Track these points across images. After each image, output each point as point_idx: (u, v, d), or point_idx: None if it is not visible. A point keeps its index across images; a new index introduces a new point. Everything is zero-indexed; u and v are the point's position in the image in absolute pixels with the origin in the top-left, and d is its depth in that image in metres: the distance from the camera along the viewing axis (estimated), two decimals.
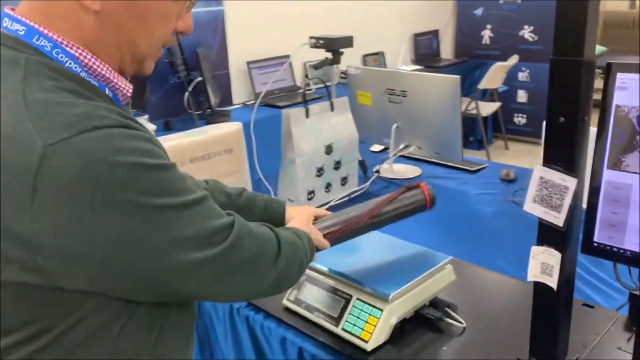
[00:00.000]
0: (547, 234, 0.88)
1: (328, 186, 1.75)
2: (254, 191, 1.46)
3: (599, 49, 5.26)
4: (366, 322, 1.03)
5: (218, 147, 1.61)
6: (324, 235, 0.99)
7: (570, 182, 0.84)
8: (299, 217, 1.02)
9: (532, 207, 0.88)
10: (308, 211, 1.06)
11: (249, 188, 1.70)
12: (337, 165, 1.75)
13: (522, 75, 4.53)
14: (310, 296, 1.12)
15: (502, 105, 4.44)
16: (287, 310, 1.15)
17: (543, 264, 0.89)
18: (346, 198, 1.78)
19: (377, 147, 2.26)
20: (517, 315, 1.10)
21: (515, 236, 1.49)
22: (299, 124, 1.63)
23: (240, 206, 1.04)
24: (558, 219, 0.85)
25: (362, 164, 1.95)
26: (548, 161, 0.86)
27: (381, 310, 1.02)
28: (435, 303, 1.12)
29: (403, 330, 1.06)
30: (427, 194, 1.12)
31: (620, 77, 0.79)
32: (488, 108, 4.32)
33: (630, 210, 0.81)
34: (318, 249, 0.96)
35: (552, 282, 0.89)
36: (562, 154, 0.84)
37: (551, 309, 0.91)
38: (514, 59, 4.28)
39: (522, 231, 1.52)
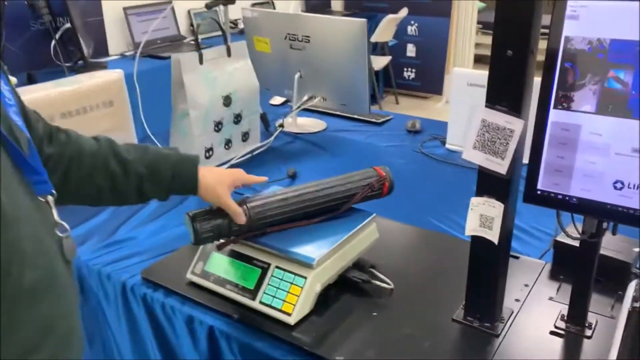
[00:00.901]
0: (488, 184, 0.80)
1: (228, 143, 1.58)
2: None
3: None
4: (288, 292, 0.90)
5: (95, 99, 1.37)
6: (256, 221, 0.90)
7: (516, 124, 0.75)
8: (216, 184, 0.87)
9: (472, 154, 0.79)
10: (227, 177, 0.91)
11: None
12: (238, 118, 1.58)
13: (411, 29, 4.54)
14: (219, 267, 0.97)
15: (392, 60, 4.44)
16: (193, 285, 0.99)
17: (482, 217, 0.81)
18: (248, 155, 1.62)
19: (277, 100, 2.11)
20: (446, 272, 1.03)
21: (432, 188, 1.42)
22: (191, 71, 1.43)
23: (140, 177, 0.86)
24: (501, 166, 0.77)
25: (263, 117, 1.79)
26: (492, 101, 0.76)
27: (304, 278, 0.90)
28: (359, 264, 1.02)
29: (327, 297, 0.94)
30: (382, 174, 1.04)
31: (571, 5, 0.71)
32: (379, 62, 4.30)
33: (577, 153, 0.74)
34: None
35: (493, 235, 0.81)
36: (508, 92, 0.75)
37: (490, 265, 0.84)
38: (404, 12, 4.27)
39: (438, 182, 1.48)
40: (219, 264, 0.98)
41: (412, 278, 1.02)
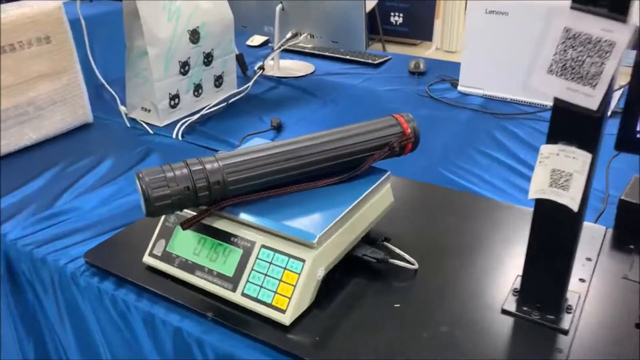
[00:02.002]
0: (567, 126, 0.56)
1: (198, 89, 1.31)
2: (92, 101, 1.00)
3: None
4: (280, 280, 0.66)
5: (26, 33, 1.08)
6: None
7: (621, 33, 0.50)
8: None
9: (545, 82, 0.54)
10: None
11: (83, 96, 1.20)
12: (208, 59, 1.31)
13: None
14: (186, 247, 0.73)
15: (378, 3, 4.12)
16: (152, 271, 0.75)
17: (555, 173, 0.57)
18: (223, 104, 1.35)
19: (256, 40, 1.82)
20: (484, 245, 0.80)
21: (445, 138, 1.18)
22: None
23: None
24: (591, 98, 0.53)
25: (239, 59, 1.51)
26: (582, 0, 0.51)
27: (302, 261, 0.66)
28: (370, 238, 0.78)
29: (330, 283, 0.71)
30: (406, 127, 0.78)
31: None
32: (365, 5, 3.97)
33: None
34: None
35: (570, 198, 0.57)
36: None
37: (560, 239, 0.61)
38: None
39: (452, 131, 1.22)
40: (186, 243, 0.73)
41: (439, 254, 0.78)
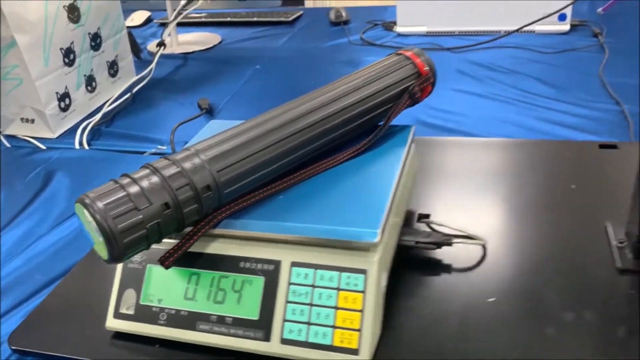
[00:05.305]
0: None
1: (90, 82, 1.02)
2: None
3: None
4: (336, 308, 0.45)
5: None
6: None
7: None
8: None
9: None
10: None
11: None
12: (96, 41, 1.02)
13: None
14: (173, 293, 0.49)
15: None
16: (124, 338, 0.50)
17: None
18: (127, 96, 1.07)
19: (138, 18, 1.52)
20: (540, 196, 0.64)
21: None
22: None
23: None
24: None
25: (130, 39, 1.22)
26: None
27: (363, 272, 0.45)
28: (407, 219, 0.59)
29: (390, 289, 0.51)
30: (421, 65, 0.57)
31: None
32: None
33: None
34: None
35: None
36: None
37: None
38: None
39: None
40: (170, 287, 0.49)
41: (493, 219, 0.61)
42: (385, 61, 0.60)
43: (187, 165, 0.45)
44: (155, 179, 0.43)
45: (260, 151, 0.48)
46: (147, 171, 0.44)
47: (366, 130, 0.58)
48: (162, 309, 0.49)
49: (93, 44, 1.01)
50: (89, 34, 1.00)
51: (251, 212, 0.48)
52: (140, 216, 0.41)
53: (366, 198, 0.49)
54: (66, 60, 0.95)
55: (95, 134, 0.95)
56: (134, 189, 0.42)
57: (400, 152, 0.55)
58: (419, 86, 0.59)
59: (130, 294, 0.50)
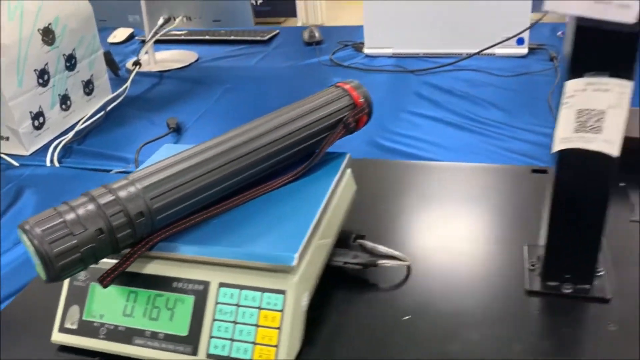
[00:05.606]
0: (594, 51, 0.44)
1: (65, 100, 1.06)
2: None
3: None
4: (257, 325, 0.49)
5: None
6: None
7: None
8: None
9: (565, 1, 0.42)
10: None
11: None
12: (71, 62, 1.06)
13: None
14: (113, 309, 0.53)
15: None
16: (69, 350, 0.54)
17: (583, 114, 0.46)
18: (101, 114, 1.12)
19: (120, 35, 1.57)
20: (471, 218, 0.68)
21: (378, 105, 1.04)
22: None
23: None
24: (627, 8, 0.41)
25: (107, 58, 1.27)
26: None
27: (282, 292, 0.49)
28: (341, 240, 0.63)
29: (309, 307, 0.55)
30: (356, 96, 0.62)
31: None
32: None
33: None
34: None
35: (603, 142, 0.46)
36: None
37: (591, 198, 0.50)
38: None
39: (382, 97, 1.06)
40: (110, 304, 0.53)
41: (426, 240, 0.65)
42: (324, 93, 0.65)
43: (122, 193, 0.49)
44: (91, 206, 0.47)
45: (194, 179, 0.53)
46: (84, 199, 0.48)
47: (303, 157, 0.62)
48: (102, 324, 0.53)
49: (68, 64, 1.06)
50: (64, 55, 1.04)
51: (185, 235, 0.52)
52: (75, 241, 0.45)
53: (291, 222, 0.53)
54: (40, 80, 0.99)
55: (67, 152, 0.99)
56: (70, 216, 0.46)
57: (331, 178, 0.60)
58: (353, 117, 0.63)
59: (74, 309, 0.54)
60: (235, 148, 0.56)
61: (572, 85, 0.45)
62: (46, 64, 1.00)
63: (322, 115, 0.62)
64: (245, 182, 0.57)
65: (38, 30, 0.98)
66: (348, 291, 0.58)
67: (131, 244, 0.50)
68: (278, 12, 4.19)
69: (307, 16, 4.24)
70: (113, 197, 0.48)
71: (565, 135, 0.47)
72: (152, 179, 0.51)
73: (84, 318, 0.53)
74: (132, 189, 0.49)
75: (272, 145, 0.58)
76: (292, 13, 4.15)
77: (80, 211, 0.47)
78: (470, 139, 0.90)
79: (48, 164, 0.95)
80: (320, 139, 0.62)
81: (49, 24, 0.99)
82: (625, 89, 0.44)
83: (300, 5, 4.15)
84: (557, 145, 0.47)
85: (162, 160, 0.54)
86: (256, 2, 4.18)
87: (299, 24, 4.19)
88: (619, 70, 0.44)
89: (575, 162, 0.48)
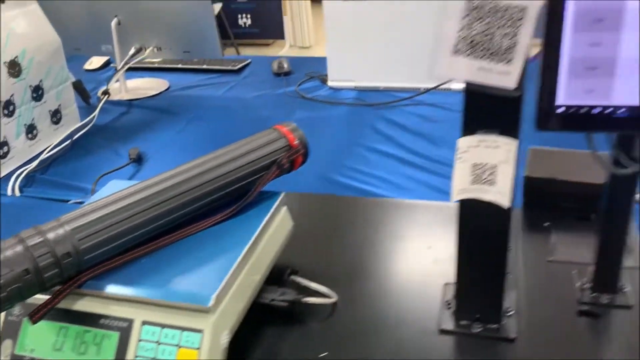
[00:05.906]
0: (483, 112, 0.48)
1: (31, 130, 1.09)
2: None
3: None
4: None
5: None
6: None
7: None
8: None
9: (453, 65, 0.46)
10: None
11: None
12: (38, 92, 1.10)
13: None
14: (44, 344, 0.55)
15: (223, 6, 3.98)
16: None
17: (477, 168, 0.49)
18: (67, 142, 1.15)
19: (95, 62, 1.61)
20: (404, 256, 0.71)
21: (326, 138, 1.08)
22: None
23: None
24: (507, 75, 0.45)
25: (78, 87, 1.31)
26: None
27: (200, 331, 0.52)
28: (273, 275, 0.66)
29: (236, 344, 0.58)
30: (292, 139, 0.66)
31: None
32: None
33: (623, 34, 0.44)
34: None
35: (497, 194, 0.50)
36: None
37: (491, 243, 0.54)
38: None
39: (331, 130, 1.11)
40: (41, 338, 0.56)
41: (356, 276, 0.68)
42: (261, 135, 0.68)
43: (51, 235, 0.52)
44: (19, 247, 0.50)
45: (124, 220, 0.56)
46: (14, 241, 0.51)
47: (238, 196, 0.65)
48: (33, 359, 0.55)
49: (35, 95, 1.09)
50: (31, 86, 1.08)
51: (114, 273, 0.55)
52: (1, 281, 0.48)
53: (215, 262, 0.56)
54: (5, 111, 1.02)
55: (29, 181, 1.02)
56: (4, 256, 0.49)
57: (262, 217, 0.63)
58: (287, 158, 0.67)
59: (7, 344, 0.56)
60: (168, 189, 0.59)
61: (465, 142, 0.48)
62: (12, 95, 1.03)
63: (257, 156, 0.65)
64: (177, 222, 0.60)
65: (4, 63, 1.01)
66: (276, 327, 0.61)
67: (60, 282, 0.53)
68: (266, 34, 4.26)
69: (295, 38, 4.31)
70: (41, 239, 0.51)
71: (463, 187, 0.50)
72: (81, 221, 0.54)
73: (16, 352, 0.56)
74: (60, 231, 0.52)
75: (205, 186, 0.61)
76: (280, 35, 4.22)
77: (9, 253, 0.50)
78: (419, 175, 0.93)
79: (9, 193, 0.98)
80: (254, 179, 0.65)
81: (16, 57, 1.03)
82: (511, 147, 0.47)
83: (288, 28, 4.23)
84: (456, 196, 0.51)
85: (95, 201, 0.57)
86: (245, 24, 4.25)
87: (287, 46, 4.25)
88: (506, 129, 0.47)
89: (474, 210, 0.51)
